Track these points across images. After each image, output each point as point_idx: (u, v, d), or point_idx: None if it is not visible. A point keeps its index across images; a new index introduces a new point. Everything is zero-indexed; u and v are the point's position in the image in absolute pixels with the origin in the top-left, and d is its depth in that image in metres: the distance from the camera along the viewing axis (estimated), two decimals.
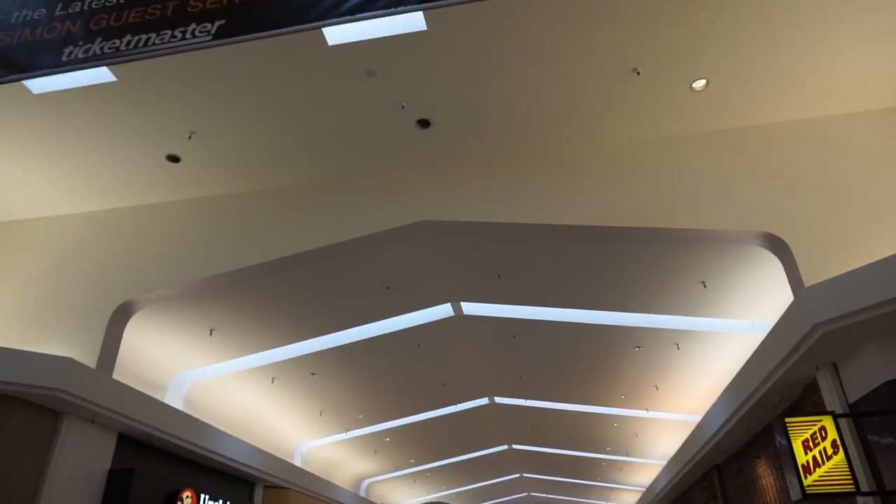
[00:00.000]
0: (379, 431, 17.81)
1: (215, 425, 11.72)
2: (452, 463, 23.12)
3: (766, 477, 9.72)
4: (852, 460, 5.81)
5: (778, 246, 7.78)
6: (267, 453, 13.08)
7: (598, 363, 13.16)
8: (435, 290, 10.76)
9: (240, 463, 11.62)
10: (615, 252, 9.24)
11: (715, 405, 10.26)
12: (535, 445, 21.85)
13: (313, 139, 8.23)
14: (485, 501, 34.33)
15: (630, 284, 9.87)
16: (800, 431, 6.07)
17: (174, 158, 8.75)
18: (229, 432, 12.22)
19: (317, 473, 17.57)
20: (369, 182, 8.96)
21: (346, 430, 17.12)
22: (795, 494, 5.86)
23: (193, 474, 10.61)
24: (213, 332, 10.58)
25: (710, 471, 12.66)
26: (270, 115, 7.75)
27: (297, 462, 17.14)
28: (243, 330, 10.74)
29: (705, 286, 9.50)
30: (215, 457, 10.79)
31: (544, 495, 32.90)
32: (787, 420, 6.12)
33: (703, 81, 7.38)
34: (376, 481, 23.07)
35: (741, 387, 8.63)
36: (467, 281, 10.49)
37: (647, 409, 15.80)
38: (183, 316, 10.11)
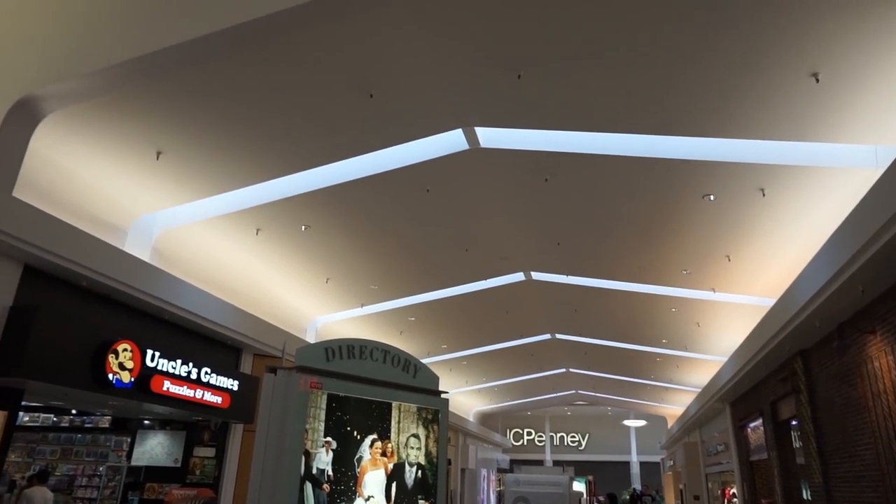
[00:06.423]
0: (401, 308, 15.92)
1: (193, 282, 9.92)
2: (490, 351, 21.28)
3: (880, 358, 7.03)
4: None
5: None
6: (255, 317, 11.34)
7: (655, 222, 10.41)
8: (437, 101, 8.13)
9: (211, 321, 9.87)
10: (693, 26, 6.30)
11: (813, 263, 7.49)
12: (580, 335, 19.63)
13: None
14: (531, 397, 33.05)
15: (710, 85, 6.94)
16: None
17: None
18: (218, 295, 10.42)
19: None
20: None
21: (363, 305, 15.28)
22: None
23: (140, 328, 8.86)
24: (162, 156, 8.44)
25: (793, 358, 10.03)
26: None
27: (311, 338, 15.57)
28: (198, 154, 8.55)
29: (818, 80, 6.47)
30: (172, 309, 9.01)
31: (593, 393, 31.19)
32: None
33: None
34: None
35: (872, 214, 5.82)
36: (478, 89, 7.79)
37: (713, 290, 13.08)
38: (118, 130, 7.97)
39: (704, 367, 19.32)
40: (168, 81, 7.31)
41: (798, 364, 9.80)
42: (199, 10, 6.49)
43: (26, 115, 7.13)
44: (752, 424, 14.32)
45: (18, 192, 7.01)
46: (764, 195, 8.78)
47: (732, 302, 13.43)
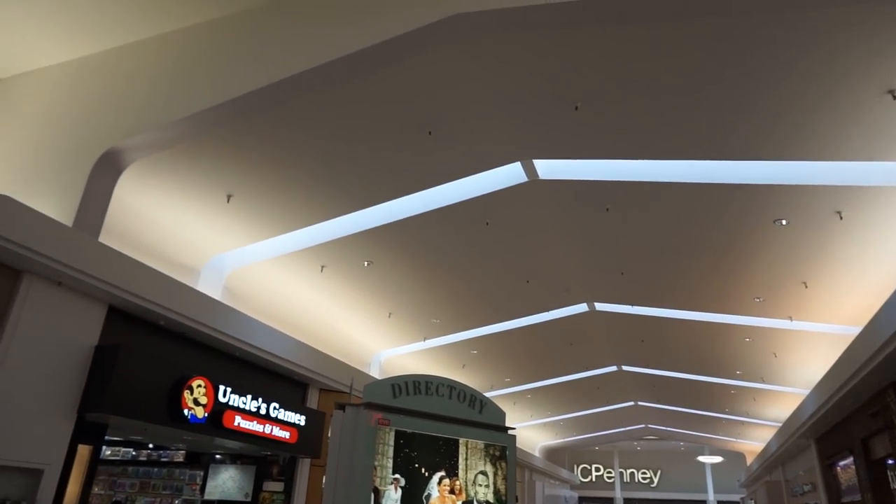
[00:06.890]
0: (463, 341, 15.87)
1: (261, 319, 10.23)
2: (554, 384, 20.86)
3: None
4: None
5: None
6: (321, 353, 11.53)
7: (723, 249, 10.06)
8: (494, 135, 8.21)
9: (279, 357, 10.09)
10: (775, 49, 6.16)
11: None
12: (647, 367, 19.00)
13: None
14: (598, 431, 32.07)
15: (788, 109, 6.73)
16: None
17: None
18: (285, 331, 10.70)
19: None
20: None
21: (425, 339, 15.33)
22: None
23: (213, 364, 9.17)
24: (232, 199, 8.83)
25: (885, 391, 9.36)
26: None
27: (375, 372, 15.70)
28: (266, 196, 8.90)
29: (895, 97, 6.19)
30: (242, 346, 9.29)
31: (663, 427, 29.97)
32: None
33: None
34: None
35: None
36: (535, 121, 7.83)
37: (790, 318, 12.44)
38: (193, 176, 8.41)
39: (784, 400, 18.29)
40: (237, 128, 7.70)
41: (891, 397, 9.12)
42: (269, 60, 6.85)
43: (111, 167, 7.63)
44: (841, 463, 13.35)
45: (100, 237, 7.48)
46: (841, 218, 8.36)
47: (812, 331, 12.74)
